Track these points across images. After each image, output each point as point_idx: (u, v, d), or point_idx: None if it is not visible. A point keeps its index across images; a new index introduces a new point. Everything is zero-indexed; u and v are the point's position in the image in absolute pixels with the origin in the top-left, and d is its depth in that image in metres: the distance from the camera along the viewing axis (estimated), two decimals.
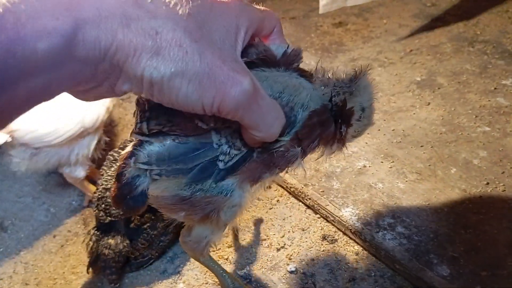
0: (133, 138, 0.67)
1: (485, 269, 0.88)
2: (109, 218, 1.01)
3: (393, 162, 1.15)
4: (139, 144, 0.64)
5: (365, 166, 1.16)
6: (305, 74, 0.67)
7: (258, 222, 1.13)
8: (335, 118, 0.67)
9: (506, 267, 0.88)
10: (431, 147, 1.18)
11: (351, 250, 1.03)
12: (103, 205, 1.01)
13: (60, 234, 1.23)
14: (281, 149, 0.64)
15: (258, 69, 0.63)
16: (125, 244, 1.02)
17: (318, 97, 0.66)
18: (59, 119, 1.14)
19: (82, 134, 1.19)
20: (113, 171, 1.06)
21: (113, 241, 1.01)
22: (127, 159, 0.65)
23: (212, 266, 0.89)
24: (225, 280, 0.90)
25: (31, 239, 1.23)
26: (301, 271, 1.00)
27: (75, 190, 1.37)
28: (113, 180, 0.67)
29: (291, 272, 1.00)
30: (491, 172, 1.08)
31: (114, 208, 1.01)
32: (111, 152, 1.14)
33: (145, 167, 0.64)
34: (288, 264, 1.02)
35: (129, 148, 0.66)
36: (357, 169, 1.15)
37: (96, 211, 1.03)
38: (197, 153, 0.64)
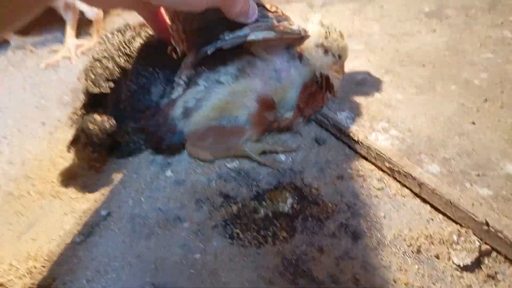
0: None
1: (476, 170, 0.87)
2: (98, 89, 0.97)
3: (393, 77, 1.14)
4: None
5: (364, 79, 1.14)
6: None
7: None
8: (321, 87, 0.97)
9: (497, 169, 0.87)
10: (433, 67, 1.16)
11: (342, 152, 1.02)
12: (92, 76, 0.98)
13: (50, 123, 1.21)
14: (286, 121, 0.99)
15: None
16: (111, 123, 0.99)
17: (307, 73, 0.97)
18: None
19: None
20: (103, 48, 1.03)
21: (100, 118, 0.98)
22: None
23: None
24: None
25: (19, 125, 1.21)
26: (291, 168, 1.00)
27: (68, 86, 1.34)
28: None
29: (280, 168, 1.00)
30: (491, 91, 1.07)
31: (103, 79, 0.98)
32: (105, 34, 1.11)
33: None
34: (277, 161, 1.01)
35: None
36: (356, 80, 1.14)
37: (84, 82, 0.99)
38: None
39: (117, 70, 0.99)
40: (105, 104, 1.00)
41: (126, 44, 1.04)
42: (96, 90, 0.97)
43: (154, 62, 1.04)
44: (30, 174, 1.06)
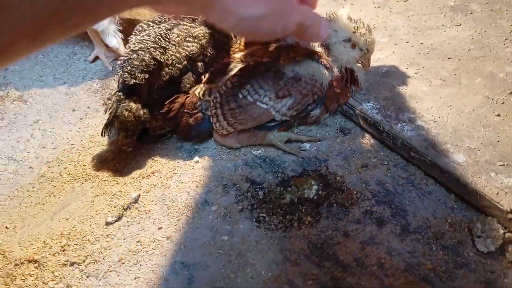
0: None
1: (501, 160, 0.88)
2: (134, 81, 1.00)
3: (418, 69, 1.15)
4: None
5: (389, 71, 1.15)
6: (322, 61, 0.98)
7: None
8: (346, 81, 1.01)
9: None
10: (458, 60, 1.16)
11: (366, 142, 1.04)
12: (128, 67, 1.01)
13: (79, 109, 1.25)
14: (313, 118, 1.04)
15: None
16: (145, 111, 1.02)
17: (334, 70, 1.00)
18: None
19: None
20: (139, 38, 1.06)
21: (135, 105, 1.01)
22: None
23: None
24: None
25: (50, 111, 1.25)
26: (316, 156, 1.02)
27: (97, 73, 1.37)
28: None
29: (305, 156, 1.02)
30: None
31: (139, 71, 1.01)
32: (140, 24, 1.14)
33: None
34: (302, 150, 1.03)
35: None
36: (381, 72, 1.15)
37: (121, 72, 1.02)
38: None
39: (153, 62, 1.02)
40: (139, 93, 1.03)
41: (162, 37, 1.07)
42: (132, 81, 1.00)
43: (188, 54, 1.07)
44: (62, 158, 1.10)
